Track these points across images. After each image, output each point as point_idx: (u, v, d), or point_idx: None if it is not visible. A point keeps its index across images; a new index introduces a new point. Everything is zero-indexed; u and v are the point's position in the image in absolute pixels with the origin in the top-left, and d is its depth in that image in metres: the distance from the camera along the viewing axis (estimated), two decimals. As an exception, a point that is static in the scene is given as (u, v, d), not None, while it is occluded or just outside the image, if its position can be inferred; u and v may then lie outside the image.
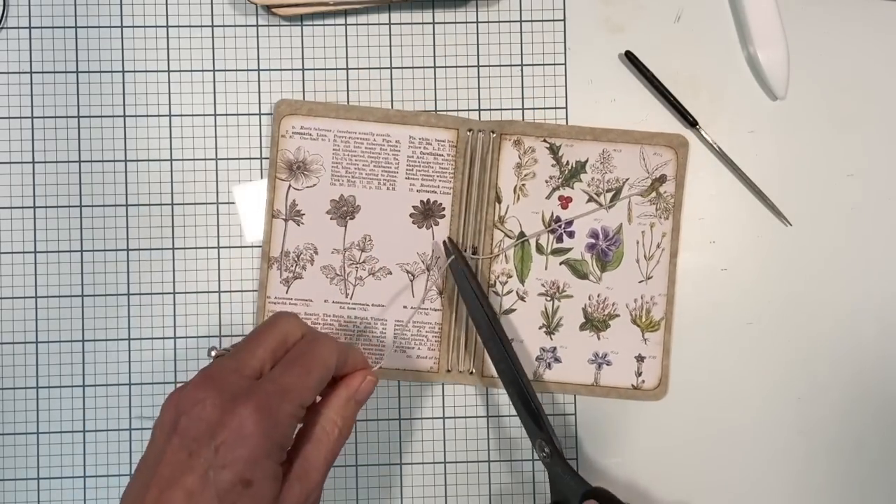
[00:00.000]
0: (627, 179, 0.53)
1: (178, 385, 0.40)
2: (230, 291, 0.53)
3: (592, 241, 0.53)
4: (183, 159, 0.53)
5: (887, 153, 0.54)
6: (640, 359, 0.53)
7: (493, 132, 0.53)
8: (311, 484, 0.38)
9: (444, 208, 0.53)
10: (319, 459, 0.38)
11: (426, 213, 0.53)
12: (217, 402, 0.36)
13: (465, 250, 0.53)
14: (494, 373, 0.52)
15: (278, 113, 0.53)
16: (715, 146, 0.53)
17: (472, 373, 0.53)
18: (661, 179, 0.53)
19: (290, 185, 0.53)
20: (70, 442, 0.53)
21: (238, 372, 0.37)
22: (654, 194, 0.53)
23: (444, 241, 0.52)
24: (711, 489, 0.54)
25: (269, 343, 0.38)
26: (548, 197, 0.53)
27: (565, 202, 0.53)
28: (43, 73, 0.53)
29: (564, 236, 0.53)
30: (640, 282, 0.53)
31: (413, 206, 0.53)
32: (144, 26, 0.53)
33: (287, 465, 0.37)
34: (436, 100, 0.54)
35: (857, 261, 0.54)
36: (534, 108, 0.54)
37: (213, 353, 0.39)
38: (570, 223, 0.53)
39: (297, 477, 0.37)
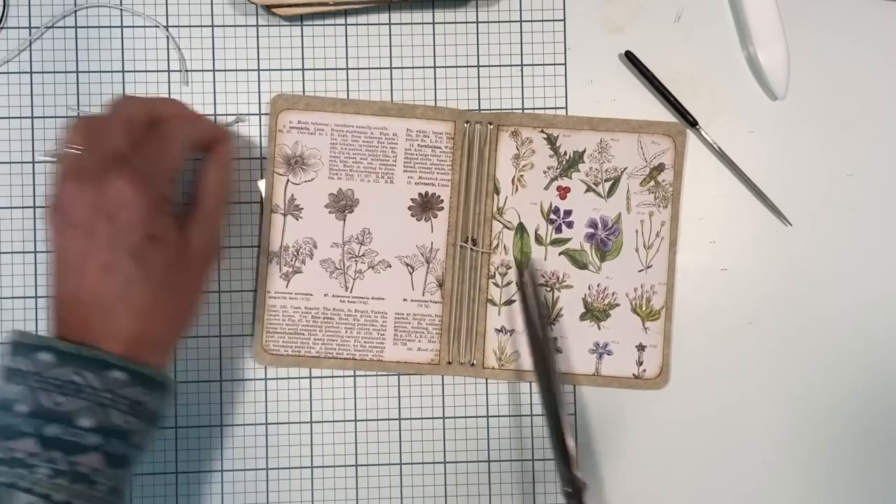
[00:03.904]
0: (626, 168, 0.53)
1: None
2: (230, 291, 0.53)
3: (591, 230, 0.53)
4: (183, 159, 0.53)
5: (887, 153, 0.54)
6: (640, 348, 0.53)
7: (490, 124, 0.53)
8: (210, 225, 0.44)
9: (442, 200, 0.53)
10: (212, 205, 0.45)
11: (424, 206, 0.53)
12: (93, 185, 0.39)
13: (466, 241, 0.53)
14: (495, 364, 0.53)
15: (275, 108, 0.53)
16: (715, 146, 0.53)
17: (472, 364, 0.53)
18: (660, 168, 0.53)
19: (288, 180, 0.53)
20: None
21: (99, 157, 0.41)
22: (652, 183, 0.53)
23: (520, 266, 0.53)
24: (712, 483, 0.54)
25: (119, 124, 0.42)
26: (546, 187, 0.53)
27: (564, 192, 0.53)
28: (43, 73, 0.53)
29: (563, 226, 0.53)
30: (640, 271, 0.53)
31: (411, 199, 0.53)
32: (144, 26, 0.53)
33: (185, 217, 0.43)
34: (436, 100, 0.54)
35: (857, 261, 0.54)
36: (534, 109, 0.54)
37: (53, 153, 0.43)
38: (568, 213, 0.53)
39: (198, 221, 0.43)
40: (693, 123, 0.53)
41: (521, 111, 0.54)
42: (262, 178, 0.53)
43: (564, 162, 0.53)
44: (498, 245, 0.53)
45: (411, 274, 0.53)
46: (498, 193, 0.53)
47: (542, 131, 0.53)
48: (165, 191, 0.42)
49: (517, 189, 0.53)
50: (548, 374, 0.49)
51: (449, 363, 0.53)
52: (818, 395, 0.54)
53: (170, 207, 0.42)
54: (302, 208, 0.53)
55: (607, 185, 0.53)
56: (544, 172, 0.53)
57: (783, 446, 0.54)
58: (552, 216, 0.53)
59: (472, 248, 0.53)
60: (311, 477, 0.53)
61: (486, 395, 0.54)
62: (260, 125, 0.53)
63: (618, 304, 0.53)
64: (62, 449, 0.38)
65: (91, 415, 0.38)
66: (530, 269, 0.53)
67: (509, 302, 0.53)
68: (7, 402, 0.39)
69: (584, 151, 0.53)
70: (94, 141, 0.42)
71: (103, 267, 0.39)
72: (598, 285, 0.53)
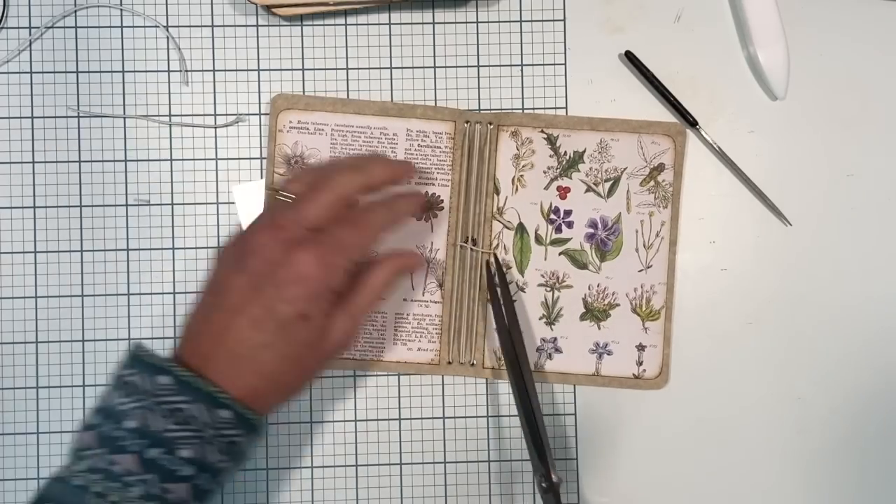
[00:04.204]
0: (626, 169, 0.53)
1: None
2: (230, 291, 0.53)
3: (591, 230, 0.53)
4: (183, 159, 0.53)
5: (887, 153, 0.54)
6: (640, 348, 0.53)
7: (490, 124, 0.53)
8: (356, 323, 0.44)
9: (442, 200, 0.53)
10: (366, 306, 0.45)
11: (425, 206, 0.53)
12: (282, 247, 0.41)
13: (466, 241, 0.53)
14: (495, 364, 0.53)
15: (275, 108, 0.53)
16: (715, 146, 0.53)
17: (472, 364, 0.53)
18: (660, 168, 0.53)
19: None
20: (70, 442, 0.53)
21: (299, 223, 0.42)
22: (652, 183, 0.53)
23: (489, 261, 0.53)
24: (710, 483, 0.54)
25: (329, 200, 0.43)
26: (546, 187, 0.53)
27: (564, 192, 0.53)
28: (43, 73, 0.53)
29: (563, 226, 0.53)
30: (640, 271, 0.53)
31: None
32: (144, 26, 0.53)
33: (338, 307, 0.43)
34: (436, 100, 0.54)
35: (858, 261, 0.54)
36: (534, 109, 0.54)
37: (270, 189, 0.44)
38: (568, 213, 0.53)
39: (348, 315, 0.44)
40: (693, 123, 0.53)
41: (521, 111, 0.54)
42: (261, 177, 0.53)
43: (564, 162, 0.53)
44: (498, 245, 0.53)
45: (412, 274, 0.53)
46: (498, 193, 0.53)
47: (542, 131, 0.53)
48: (337, 281, 0.43)
49: (517, 189, 0.53)
50: (519, 369, 0.50)
51: (449, 363, 0.53)
52: (818, 395, 0.54)
53: (332, 296, 0.43)
54: None
55: (607, 185, 0.53)
56: (544, 172, 0.53)
57: (783, 446, 0.54)
58: (552, 216, 0.53)
59: (472, 248, 0.53)
60: (311, 477, 0.53)
61: (486, 395, 0.54)
62: (260, 125, 0.53)
63: (618, 304, 0.53)
64: (158, 473, 0.39)
65: (192, 446, 0.39)
66: (497, 264, 0.53)
67: None
68: (118, 415, 0.39)
69: (584, 151, 0.53)
70: (304, 202, 0.43)
71: (252, 321, 0.41)
72: (597, 285, 0.53)
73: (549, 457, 0.48)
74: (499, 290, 0.52)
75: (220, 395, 0.40)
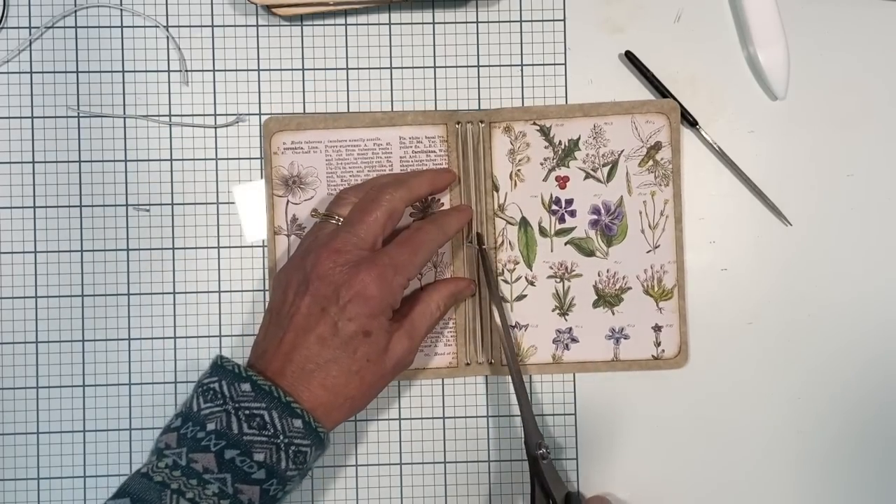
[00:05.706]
0: (622, 151, 0.53)
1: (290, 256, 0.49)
2: (230, 291, 0.53)
3: (595, 217, 0.53)
4: (183, 159, 0.53)
5: (887, 153, 0.54)
6: (657, 329, 0.53)
7: (481, 122, 0.53)
8: (414, 341, 0.47)
9: (442, 204, 0.53)
10: (423, 326, 0.48)
11: (426, 210, 0.53)
12: (344, 269, 0.44)
13: (470, 241, 0.53)
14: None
15: (267, 130, 0.53)
16: (715, 146, 0.53)
17: (491, 363, 0.53)
18: (657, 146, 0.53)
19: (288, 201, 0.53)
20: (70, 442, 0.53)
21: (358, 246, 0.45)
22: (651, 162, 0.53)
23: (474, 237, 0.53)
24: (708, 484, 0.54)
25: (381, 219, 0.46)
26: (545, 179, 0.53)
27: (563, 182, 0.53)
28: (43, 73, 0.53)
29: (566, 216, 0.53)
30: (648, 252, 0.53)
31: (413, 206, 0.53)
32: (144, 26, 0.53)
33: (397, 325, 0.46)
34: (436, 100, 0.54)
35: (857, 261, 0.54)
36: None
37: (315, 214, 0.49)
38: (570, 202, 0.53)
39: (406, 333, 0.46)
40: (693, 123, 0.53)
41: (511, 107, 0.53)
42: (261, 177, 0.53)
43: (560, 151, 0.53)
44: (503, 242, 0.53)
45: (420, 280, 0.53)
46: (497, 190, 0.53)
47: (535, 123, 0.53)
48: (395, 298, 0.45)
49: (516, 184, 0.53)
50: (510, 344, 0.51)
51: (467, 364, 0.53)
52: (818, 395, 0.54)
53: (391, 313, 0.46)
54: (305, 227, 0.53)
55: (606, 169, 0.53)
56: (541, 164, 0.53)
57: (782, 446, 0.54)
58: (554, 207, 0.53)
59: (476, 247, 0.53)
60: (311, 477, 0.53)
61: (486, 395, 0.54)
62: (260, 125, 0.53)
63: (629, 288, 0.53)
64: (233, 473, 0.40)
65: (265, 451, 0.41)
66: (481, 251, 0.53)
67: (520, 297, 0.53)
68: (199, 419, 0.42)
69: (578, 139, 0.53)
70: (357, 224, 0.46)
71: (319, 339, 0.44)
72: (607, 271, 0.53)
73: (530, 422, 0.49)
74: (483, 277, 0.52)
75: (295, 404, 0.42)
